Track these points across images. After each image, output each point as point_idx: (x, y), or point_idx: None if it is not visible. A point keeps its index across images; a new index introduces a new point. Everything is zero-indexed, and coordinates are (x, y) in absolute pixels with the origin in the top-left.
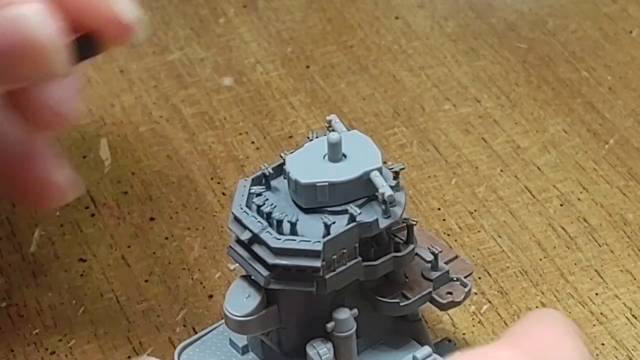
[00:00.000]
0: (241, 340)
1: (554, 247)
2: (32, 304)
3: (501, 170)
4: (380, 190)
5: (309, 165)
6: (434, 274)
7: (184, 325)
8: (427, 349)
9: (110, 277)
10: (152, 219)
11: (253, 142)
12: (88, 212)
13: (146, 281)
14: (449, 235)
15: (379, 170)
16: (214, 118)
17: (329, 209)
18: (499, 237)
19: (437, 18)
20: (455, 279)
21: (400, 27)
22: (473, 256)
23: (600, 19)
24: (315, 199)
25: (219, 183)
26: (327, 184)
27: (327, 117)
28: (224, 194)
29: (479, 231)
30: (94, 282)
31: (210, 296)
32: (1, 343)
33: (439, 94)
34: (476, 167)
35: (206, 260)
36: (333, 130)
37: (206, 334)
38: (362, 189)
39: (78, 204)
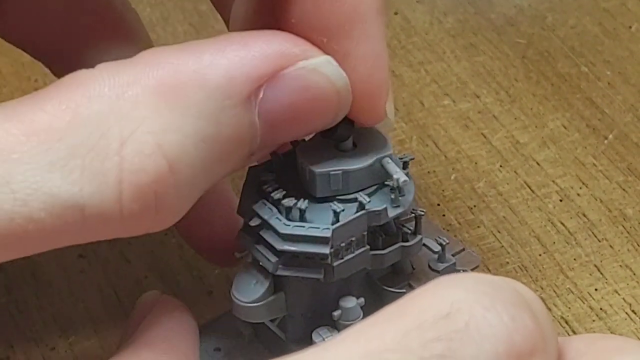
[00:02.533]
0: (247, 328)
1: (554, 243)
2: (32, 300)
3: (500, 166)
4: (395, 176)
5: (320, 154)
6: (441, 266)
7: None
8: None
9: (109, 274)
10: None
11: None
12: None
13: (146, 277)
14: (448, 230)
15: (390, 157)
16: None
17: (339, 197)
18: (499, 232)
19: (437, 13)
20: (461, 270)
21: (400, 22)
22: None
23: (600, 14)
24: (328, 188)
25: None
26: (340, 172)
27: None
28: None
29: (478, 227)
30: (94, 278)
31: (210, 292)
32: (1, 339)
33: (438, 89)
34: (475, 163)
35: None
36: None
37: (211, 322)
38: (374, 177)
39: None
